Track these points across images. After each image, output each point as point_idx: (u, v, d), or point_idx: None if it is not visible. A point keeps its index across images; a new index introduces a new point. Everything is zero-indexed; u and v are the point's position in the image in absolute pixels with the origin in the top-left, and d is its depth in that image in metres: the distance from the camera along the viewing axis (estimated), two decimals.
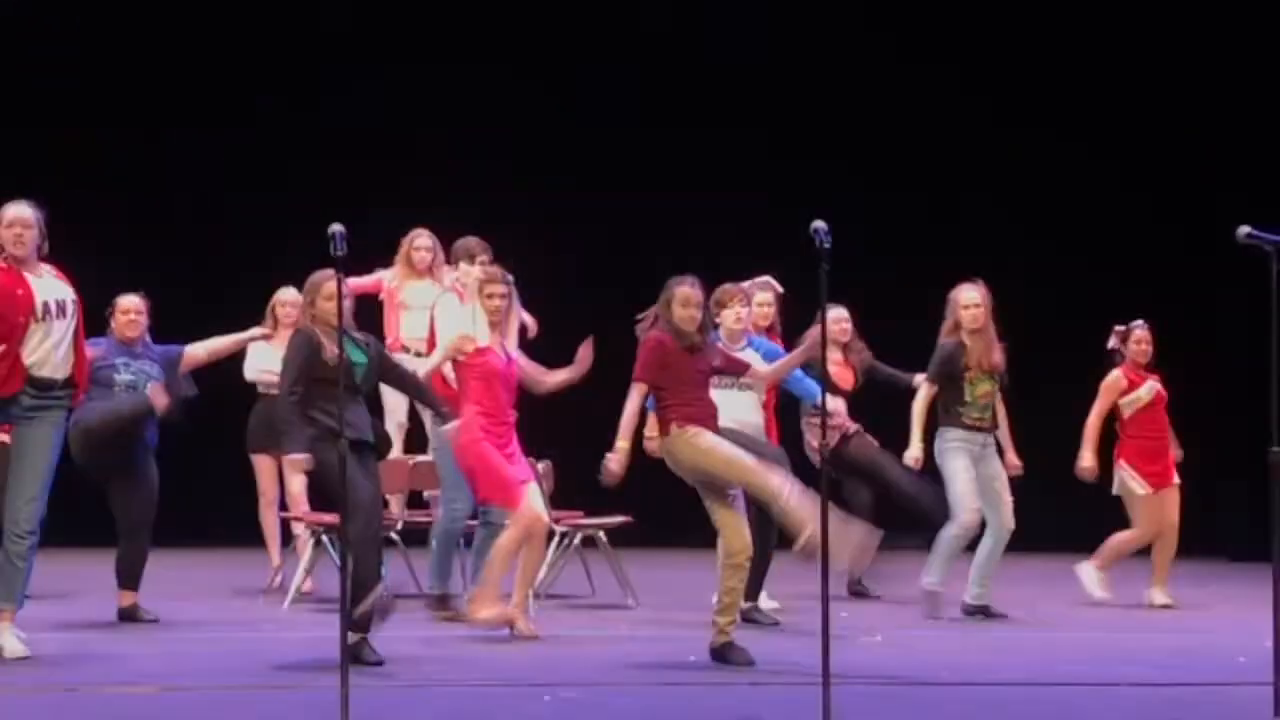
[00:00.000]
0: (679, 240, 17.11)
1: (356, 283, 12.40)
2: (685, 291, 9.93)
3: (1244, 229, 8.30)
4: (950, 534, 11.80)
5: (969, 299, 11.96)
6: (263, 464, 13.09)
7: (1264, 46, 17.55)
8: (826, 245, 8.05)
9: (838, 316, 13.10)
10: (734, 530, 9.74)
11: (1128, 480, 12.80)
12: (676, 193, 17.80)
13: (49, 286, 9.64)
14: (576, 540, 12.63)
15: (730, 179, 17.78)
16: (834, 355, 13.16)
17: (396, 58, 17.90)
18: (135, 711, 8.31)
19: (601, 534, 12.62)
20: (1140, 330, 12.86)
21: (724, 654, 9.65)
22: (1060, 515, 14.59)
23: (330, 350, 9.41)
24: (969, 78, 18.13)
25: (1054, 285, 17.36)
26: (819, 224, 8.07)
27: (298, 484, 12.99)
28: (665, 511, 12.49)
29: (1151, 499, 12.76)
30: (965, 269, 12.25)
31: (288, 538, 13.28)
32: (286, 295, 13.01)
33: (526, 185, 17.66)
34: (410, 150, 17.59)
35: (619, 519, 12.71)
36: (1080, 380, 13.23)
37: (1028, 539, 12.32)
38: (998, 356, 11.97)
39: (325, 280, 9.71)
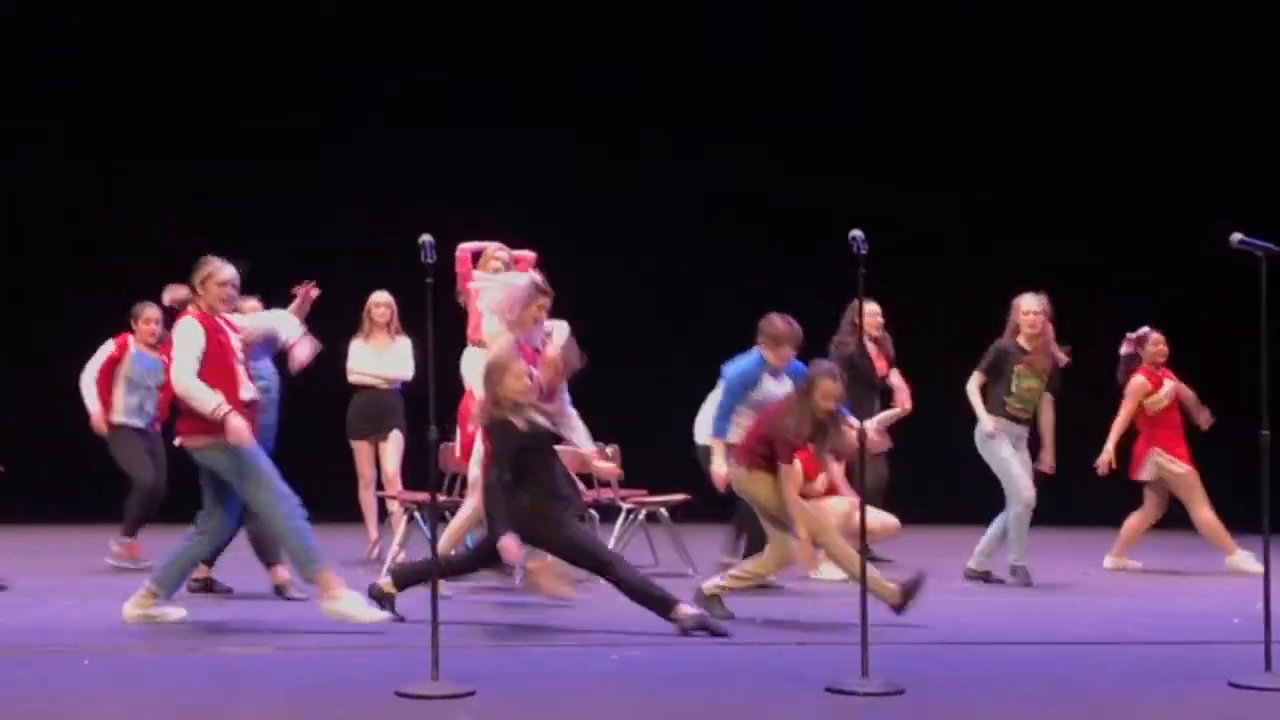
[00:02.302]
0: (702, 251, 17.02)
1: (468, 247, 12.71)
2: (829, 385, 9.83)
3: (1236, 236, 8.26)
4: (1015, 513, 11.77)
5: (1029, 306, 11.88)
6: (361, 449, 13.21)
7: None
8: (864, 252, 8.01)
9: (871, 311, 13.09)
10: (784, 549, 9.89)
11: (1167, 464, 12.67)
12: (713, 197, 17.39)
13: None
14: (641, 516, 12.64)
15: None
16: (870, 349, 13.16)
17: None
18: (251, 669, 8.37)
19: (663, 510, 12.63)
20: (1155, 334, 12.77)
21: (709, 604, 9.84)
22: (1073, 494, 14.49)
23: (521, 422, 9.40)
24: (970, 86, 17.51)
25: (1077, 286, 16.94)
26: (856, 233, 8.03)
27: (393, 466, 13.10)
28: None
29: (1192, 473, 12.69)
30: (974, 272, 12.18)
31: (384, 514, 13.33)
32: (380, 297, 13.22)
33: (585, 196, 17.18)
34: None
35: (679, 496, 12.71)
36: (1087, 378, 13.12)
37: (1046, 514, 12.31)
38: (1052, 361, 11.87)
39: (512, 361, 9.60)
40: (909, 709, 7.47)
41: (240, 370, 9.60)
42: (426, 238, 8.07)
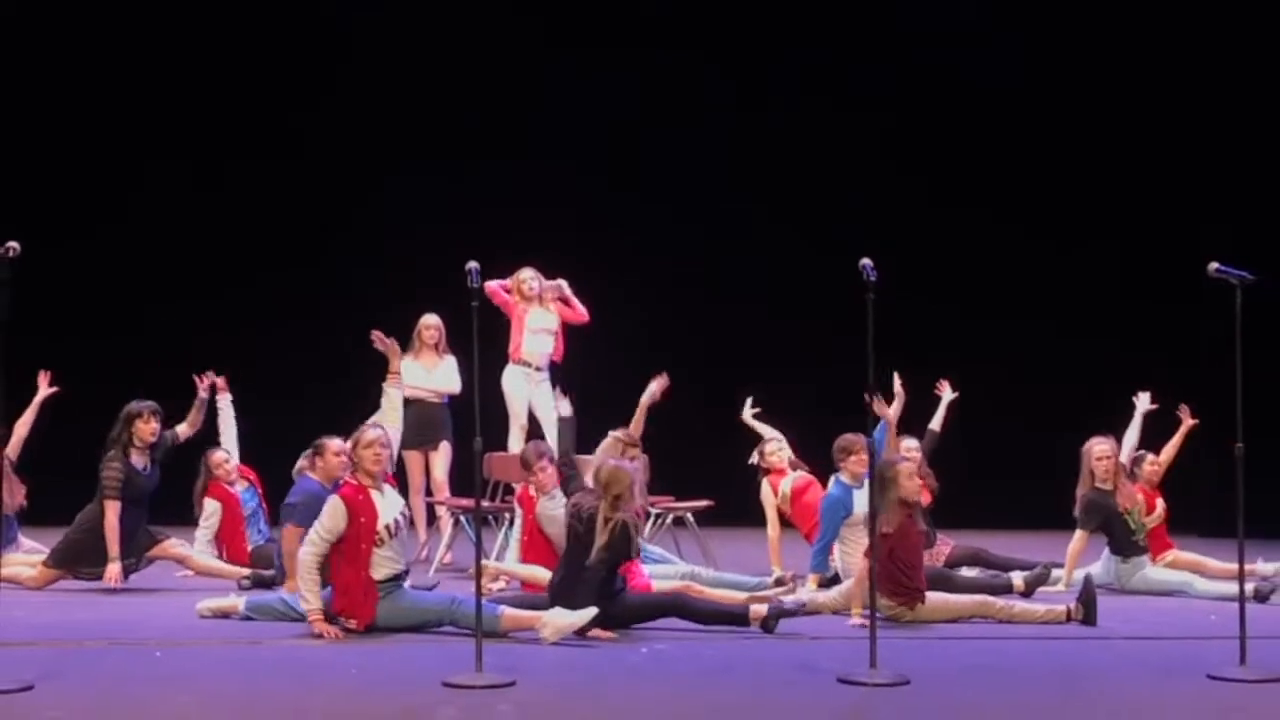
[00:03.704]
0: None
1: (496, 285, 12.82)
2: (906, 466, 9.78)
3: (1213, 265, 8.33)
4: (1207, 590, 11.06)
5: (1103, 451, 11.43)
6: (412, 458, 13.18)
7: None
8: (873, 279, 8.04)
9: (907, 446, 11.79)
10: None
11: (1167, 563, 11.85)
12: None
13: (390, 504, 9.43)
14: (668, 520, 12.67)
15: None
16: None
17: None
18: (309, 661, 8.49)
19: (689, 514, 12.66)
20: (1151, 456, 11.97)
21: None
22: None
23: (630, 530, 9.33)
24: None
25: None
26: (865, 261, 8.08)
27: (441, 473, 13.13)
28: (742, 496, 12.50)
29: (1180, 555, 11.98)
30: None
31: (432, 518, 13.38)
32: (430, 320, 13.23)
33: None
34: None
35: (703, 502, 12.73)
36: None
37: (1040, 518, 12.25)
38: (1130, 484, 11.57)
39: (635, 477, 9.45)
40: (914, 697, 7.57)
41: (374, 551, 9.16)
42: (473, 264, 8.14)
